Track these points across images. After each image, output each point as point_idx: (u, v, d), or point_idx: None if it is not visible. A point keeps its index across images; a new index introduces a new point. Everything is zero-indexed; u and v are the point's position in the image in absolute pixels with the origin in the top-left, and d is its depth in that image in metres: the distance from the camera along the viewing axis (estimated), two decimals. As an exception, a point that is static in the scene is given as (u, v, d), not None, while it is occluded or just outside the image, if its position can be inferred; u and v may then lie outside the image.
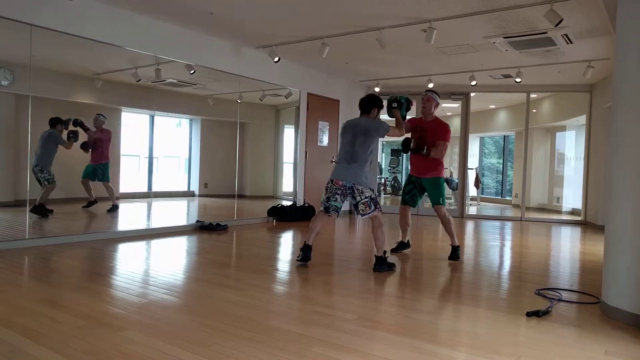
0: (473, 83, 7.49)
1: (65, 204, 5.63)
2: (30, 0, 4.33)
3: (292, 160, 7.77)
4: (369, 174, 4.01)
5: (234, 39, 6.19)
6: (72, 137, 5.51)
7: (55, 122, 5.38)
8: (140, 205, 6.49)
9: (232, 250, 5.00)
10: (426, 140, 4.57)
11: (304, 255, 4.09)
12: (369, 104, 4.14)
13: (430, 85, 7.79)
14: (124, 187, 6.23)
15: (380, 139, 4.48)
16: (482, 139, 12.62)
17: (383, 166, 13.77)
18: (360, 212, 3.98)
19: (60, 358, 2.05)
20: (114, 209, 6.01)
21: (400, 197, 4.97)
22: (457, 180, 9.58)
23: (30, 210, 4.91)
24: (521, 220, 8.63)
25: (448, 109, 10.95)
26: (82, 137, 5.60)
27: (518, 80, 7.19)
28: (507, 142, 12.57)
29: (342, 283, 3.63)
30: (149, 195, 6.27)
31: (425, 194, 4.77)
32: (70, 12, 4.58)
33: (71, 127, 5.47)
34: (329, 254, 4.92)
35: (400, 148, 4.60)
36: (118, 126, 6.14)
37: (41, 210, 5.24)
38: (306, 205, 7.60)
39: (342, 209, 4.22)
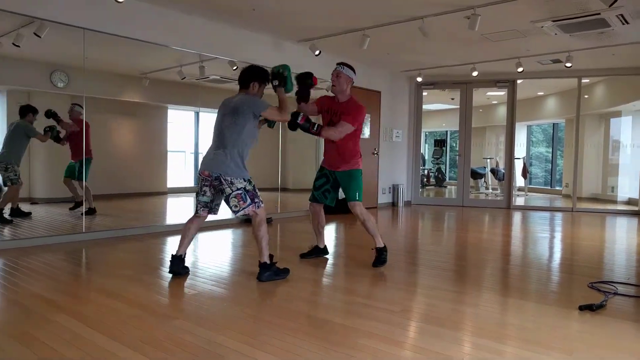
0: (520, 70, 7.23)
1: (115, 199, 5.88)
2: (83, 5, 4.53)
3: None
4: (240, 162, 3.26)
5: (275, 33, 6.24)
6: (48, 131, 4.89)
7: (25, 111, 4.75)
8: (187, 200, 6.69)
9: (276, 242, 5.08)
10: (334, 124, 3.74)
11: (171, 267, 3.37)
12: (248, 76, 3.34)
13: (475, 74, 7.58)
14: (171, 182, 6.44)
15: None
16: (529, 128, 12.19)
17: (426, 157, 13.56)
18: (233, 208, 3.23)
19: (117, 344, 2.16)
20: (91, 212, 5.13)
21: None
22: (503, 171, 9.31)
23: None
24: (572, 211, 8.29)
25: (494, 97, 10.64)
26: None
27: (568, 65, 6.88)
28: (557, 130, 12.07)
29: (385, 275, 3.62)
30: (195, 189, 6.44)
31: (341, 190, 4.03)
32: (119, 14, 4.75)
33: (49, 122, 4.93)
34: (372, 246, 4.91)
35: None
36: (165, 123, 6.35)
37: (1, 216, 4.61)
38: (348, 197, 7.60)
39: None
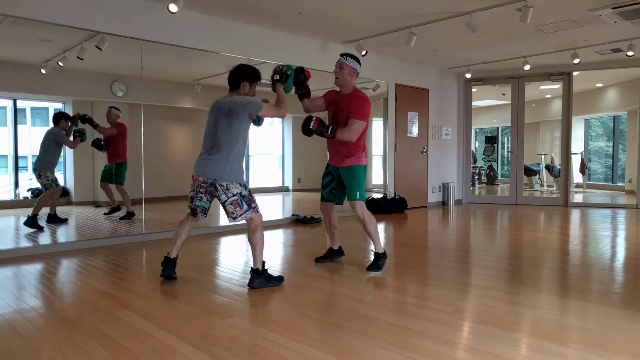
0: (576, 61, 6.92)
1: (171, 202, 6.10)
2: (139, 17, 4.76)
3: (382, 153, 7.74)
4: (236, 166, 3.15)
5: (321, 36, 6.29)
6: (77, 136, 4.84)
7: (58, 118, 4.78)
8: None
9: (326, 242, 5.11)
10: (339, 118, 3.56)
11: (164, 271, 3.34)
12: (237, 76, 3.25)
13: (527, 68, 7.33)
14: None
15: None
16: (587, 121, 11.61)
17: (477, 155, 13.21)
18: (230, 214, 3.14)
19: (176, 340, 2.26)
20: (129, 216, 5.18)
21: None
22: (559, 167, 8.93)
23: (24, 223, 4.67)
24: (637, 208, 7.83)
25: (547, 90, 10.22)
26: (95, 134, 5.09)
27: (630, 53, 6.51)
28: (618, 123, 11.44)
29: (437, 275, 3.57)
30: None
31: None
32: (173, 25, 4.96)
33: (80, 126, 4.89)
34: (423, 245, 4.86)
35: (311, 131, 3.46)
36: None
37: (35, 222, 4.63)
38: (397, 197, 7.55)
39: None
